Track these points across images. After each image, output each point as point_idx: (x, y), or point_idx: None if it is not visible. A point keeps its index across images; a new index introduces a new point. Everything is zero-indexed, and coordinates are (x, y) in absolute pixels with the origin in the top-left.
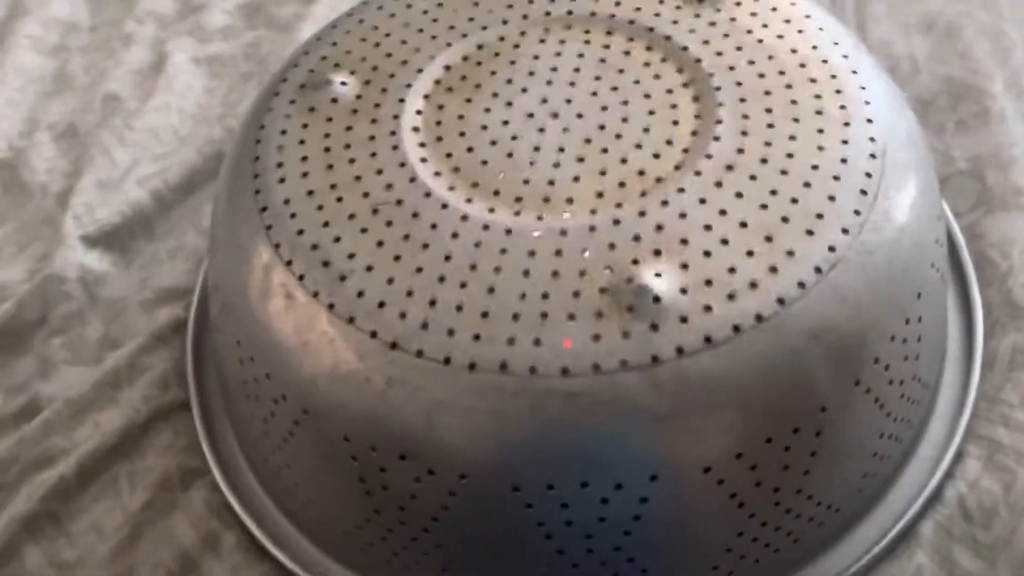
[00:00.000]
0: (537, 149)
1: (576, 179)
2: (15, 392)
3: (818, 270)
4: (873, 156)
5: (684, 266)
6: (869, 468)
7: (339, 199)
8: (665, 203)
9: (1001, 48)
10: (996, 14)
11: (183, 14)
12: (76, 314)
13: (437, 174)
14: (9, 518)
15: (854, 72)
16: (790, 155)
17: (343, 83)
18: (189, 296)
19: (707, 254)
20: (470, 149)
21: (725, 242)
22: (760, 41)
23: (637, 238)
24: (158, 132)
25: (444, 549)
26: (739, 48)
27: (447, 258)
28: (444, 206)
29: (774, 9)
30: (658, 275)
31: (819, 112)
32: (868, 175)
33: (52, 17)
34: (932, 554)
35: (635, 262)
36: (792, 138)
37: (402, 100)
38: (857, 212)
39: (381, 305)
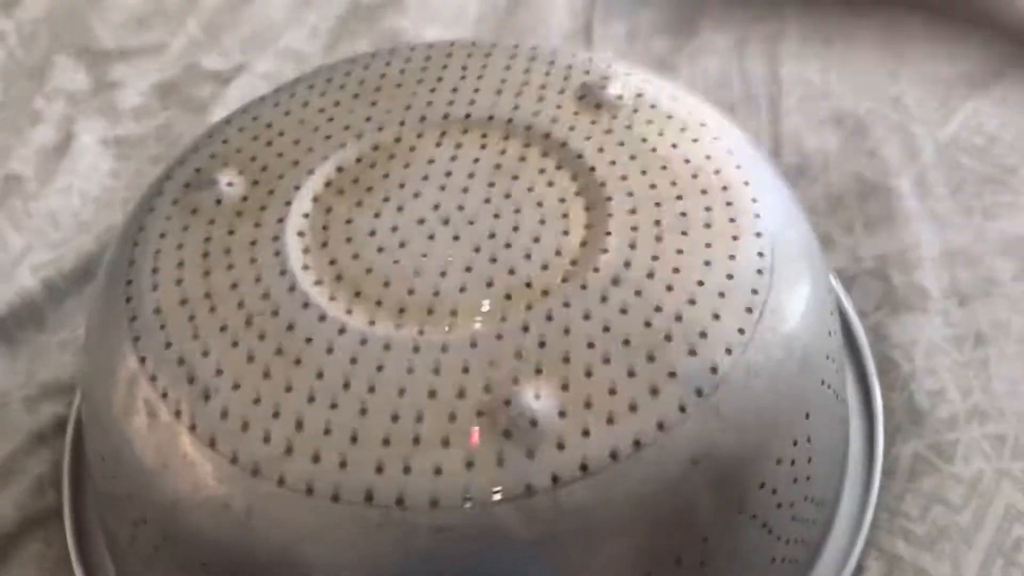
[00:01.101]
0: (425, 256)
1: (462, 290)
2: None
3: (699, 392)
4: (760, 272)
5: (564, 387)
6: None
7: (212, 309)
8: (549, 318)
9: (908, 149)
10: (904, 113)
11: (96, 92)
12: None
13: (318, 282)
14: None
15: (746, 183)
16: (676, 270)
17: (229, 183)
18: (73, 393)
19: (588, 374)
20: (356, 256)
21: (607, 361)
22: (654, 150)
23: (519, 355)
24: (57, 216)
25: None
26: (633, 157)
27: (319, 375)
28: (322, 317)
29: (670, 117)
30: (537, 396)
31: (708, 225)
32: (755, 291)
33: None
34: None
35: (515, 381)
36: (679, 252)
37: (289, 203)
38: (741, 331)
39: (245, 427)
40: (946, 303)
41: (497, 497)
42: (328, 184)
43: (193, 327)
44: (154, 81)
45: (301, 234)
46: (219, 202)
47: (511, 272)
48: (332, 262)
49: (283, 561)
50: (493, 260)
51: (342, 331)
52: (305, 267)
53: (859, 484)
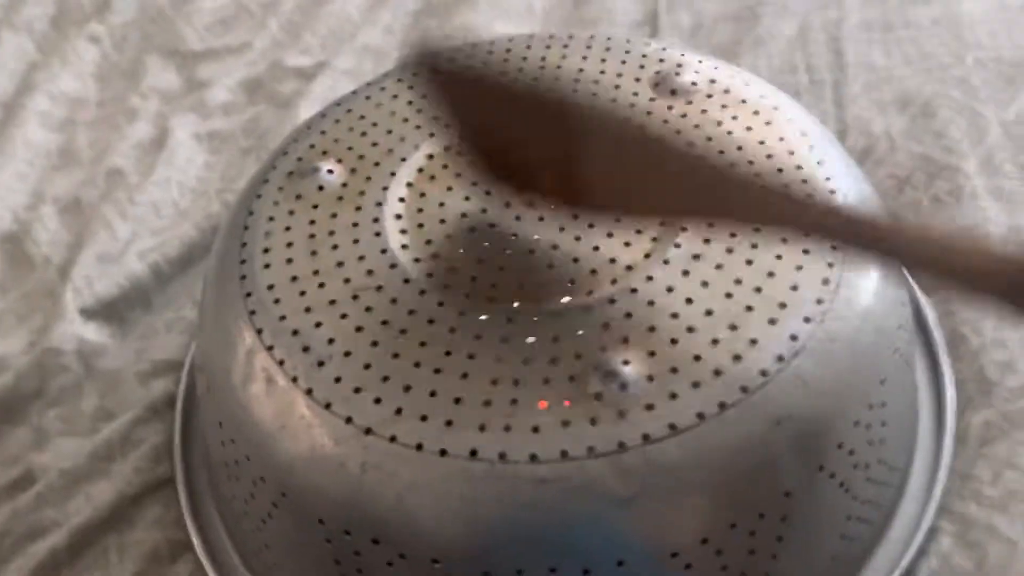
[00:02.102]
0: (514, 236)
1: (550, 266)
2: (10, 464)
3: (780, 358)
4: (835, 246)
5: (651, 353)
6: (837, 551)
7: (321, 285)
8: (634, 291)
9: (975, 127)
10: (970, 94)
11: (187, 90)
12: (72, 386)
13: (417, 260)
14: None
15: (819, 163)
16: (754, 246)
17: (330, 171)
18: (182, 369)
19: (674, 342)
20: (449, 236)
21: (691, 330)
22: (729, 133)
23: (606, 326)
24: (158, 206)
25: None
26: (709, 139)
27: (423, 344)
28: (422, 292)
29: (743, 101)
30: (626, 362)
31: None
32: (830, 265)
33: (60, 92)
34: None
35: (603, 349)
36: (756, 228)
37: (386, 188)
38: (819, 301)
39: (357, 391)
40: None
41: (592, 453)
42: (420, 171)
43: (305, 302)
44: (240, 78)
45: (398, 216)
46: (321, 188)
47: (595, 249)
48: (428, 242)
49: (394, 512)
50: (577, 239)
51: (441, 304)
52: (404, 246)
53: (930, 452)
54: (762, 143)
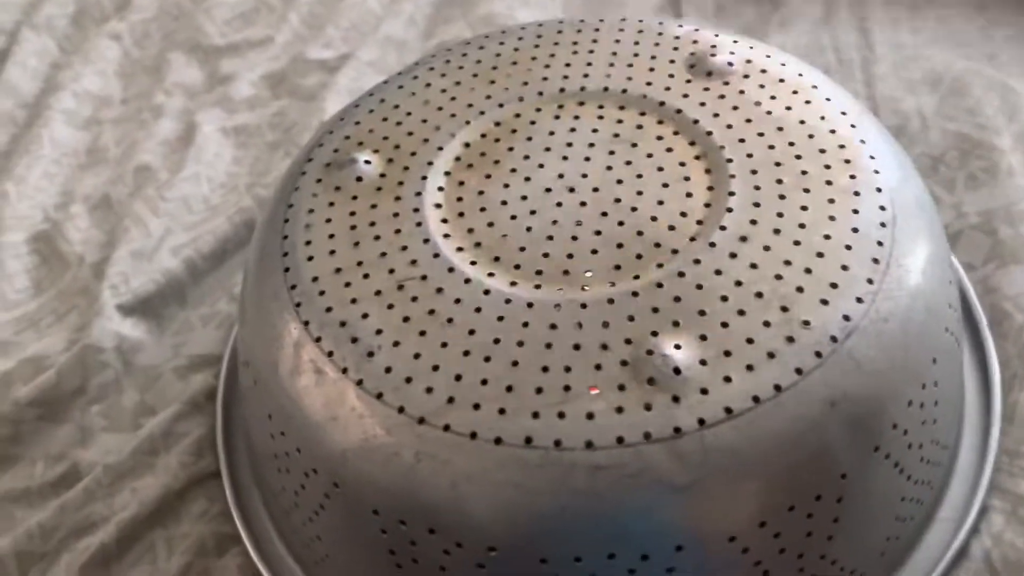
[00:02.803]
0: (555, 223)
1: (594, 252)
2: (55, 460)
3: (834, 339)
4: (883, 225)
5: (703, 337)
6: (892, 531)
7: (366, 276)
8: (682, 274)
9: (1008, 103)
10: (1001, 69)
11: (210, 86)
12: (113, 383)
13: (460, 249)
14: None
15: (862, 141)
16: (802, 225)
17: (367, 162)
18: (220, 363)
19: (724, 325)
20: (491, 224)
21: (742, 313)
22: (769, 113)
23: (655, 310)
24: (189, 201)
25: None
26: (748, 120)
27: (471, 332)
28: (467, 281)
29: (781, 80)
30: (677, 347)
31: (829, 182)
32: (880, 243)
33: (85, 91)
34: None
35: (654, 334)
36: (804, 208)
37: (424, 177)
38: (870, 281)
39: (408, 380)
40: None
41: (648, 438)
42: (458, 159)
43: (351, 293)
44: (263, 72)
45: (438, 206)
46: (359, 179)
47: (639, 234)
48: (470, 230)
49: (449, 501)
50: (621, 223)
51: (487, 292)
52: (446, 236)
53: (977, 430)
54: (803, 122)
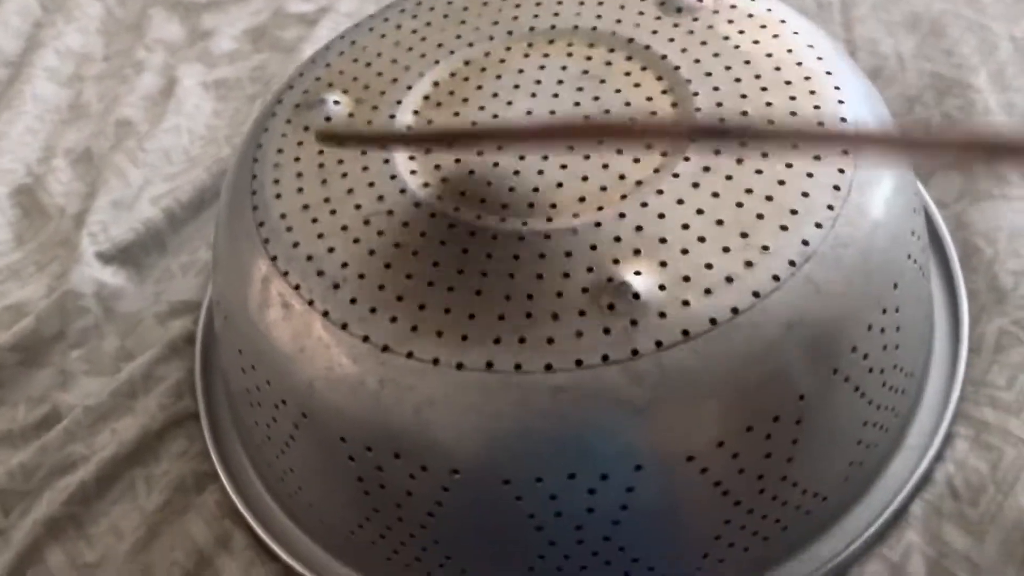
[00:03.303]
0: (522, 158)
1: (559, 185)
2: (36, 403)
3: (792, 263)
4: (846, 152)
5: (663, 264)
6: (855, 456)
7: (333, 212)
8: (644, 205)
9: (986, 43)
10: (980, 11)
11: (191, 41)
12: (93, 328)
13: (426, 185)
14: (32, 522)
15: (828, 73)
16: (765, 155)
17: (336, 102)
18: (200, 309)
19: (684, 252)
20: (457, 160)
21: (702, 240)
22: (736, 47)
23: (617, 239)
24: (169, 153)
25: (441, 544)
26: (716, 55)
27: (435, 264)
28: (432, 215)
29: (750, 16)
30: (637, 273)
31: (793, 113)
32: (841, 171)
33: (67, 48)
34: (922, 532)
35: (616, 262)
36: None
37: (392, 116)
38: (830, 207)
39: (373, 311)
40: None
41: (606, 360)
42: (426, 98)
43: (317, 228)
44: (244, 27)
45: None
46: (328, 119)
47: (604, 167)
48: (437, 167)
49: (414, 426)
50: (587, 158)
51: (452, 226)
52: (413, 172)
53: (946, 362)
54: (770, 56)
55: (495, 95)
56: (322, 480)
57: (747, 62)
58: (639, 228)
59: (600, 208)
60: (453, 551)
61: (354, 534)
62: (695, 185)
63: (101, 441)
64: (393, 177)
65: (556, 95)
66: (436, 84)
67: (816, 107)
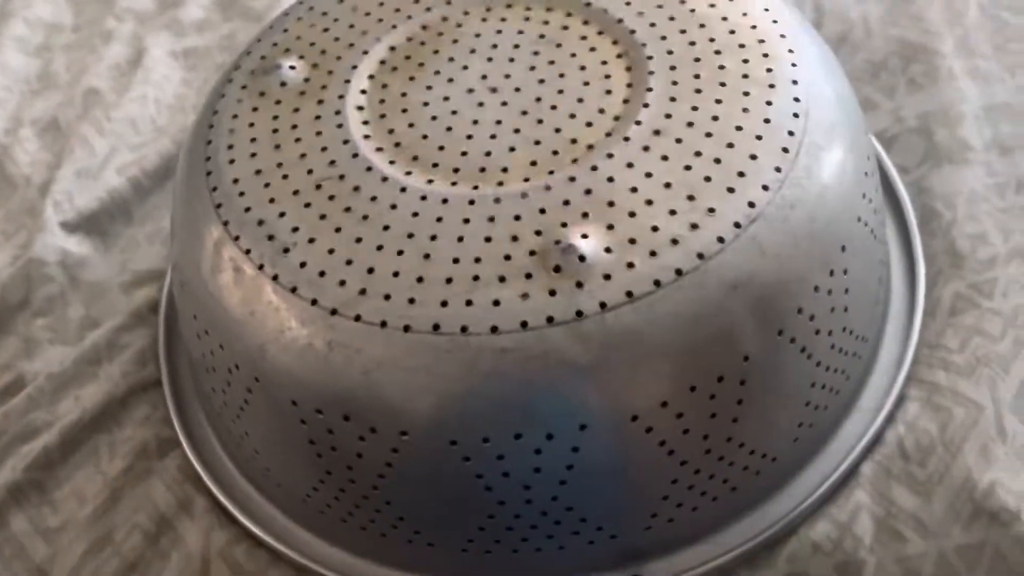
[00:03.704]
0: (476, 123)
1: (512, 149)
2: (0, 370)
3: (738, 225)
4: (796, 115)
5: (610, 227)
6: (804, 418)
7: (285, 177)
8: (595, 168)
9: (952, 9)
10: None
11: (161, 10)
12: (58, 296)
13: (379, 149)
14: None
15: (782, 36)
16: (715, 118)
17: (292, 67)
18: (165, 278)
19: (632, 215)
20: (411, 125)
21: (650, 203)
22: (692, 11)
23: (567, 202)
24: (136, 122)
25: (392, 505)
26: (672, 18)
27: (385, 228)
28: (384, 179)
29: None
30: (584, 236)
31: (745, 76)
32: (791, 133)
33: (36, 18)
34: (871, 492)
35: (564, 225)
36: (718, 102)
37: (348, 81)
38: (778, 169)
39: (322, 274)
40: (988, 154)
41: (551, 322)
42: (382, 63)
43: (269, 193)
44: None
45: (360, 108)
46: (283, 85)
47: (557, 131)
48: (390, 131)
49: (362, 388)
50: (540, 121)
51: (403, 190)
52: (366, 136)
53: (902, 325)
54: (725, 19)
55: (451, 60)
56: (276, 444)
57: (702, 25)
58: (588, 191)
59: (551, 172)
60: (405, 512)
61: (309, 497)
62: (645, 149)
63: (64, 408)
64: (346, 142)
65: (512, 59)
66: (393, 49)
67: (768, 70)
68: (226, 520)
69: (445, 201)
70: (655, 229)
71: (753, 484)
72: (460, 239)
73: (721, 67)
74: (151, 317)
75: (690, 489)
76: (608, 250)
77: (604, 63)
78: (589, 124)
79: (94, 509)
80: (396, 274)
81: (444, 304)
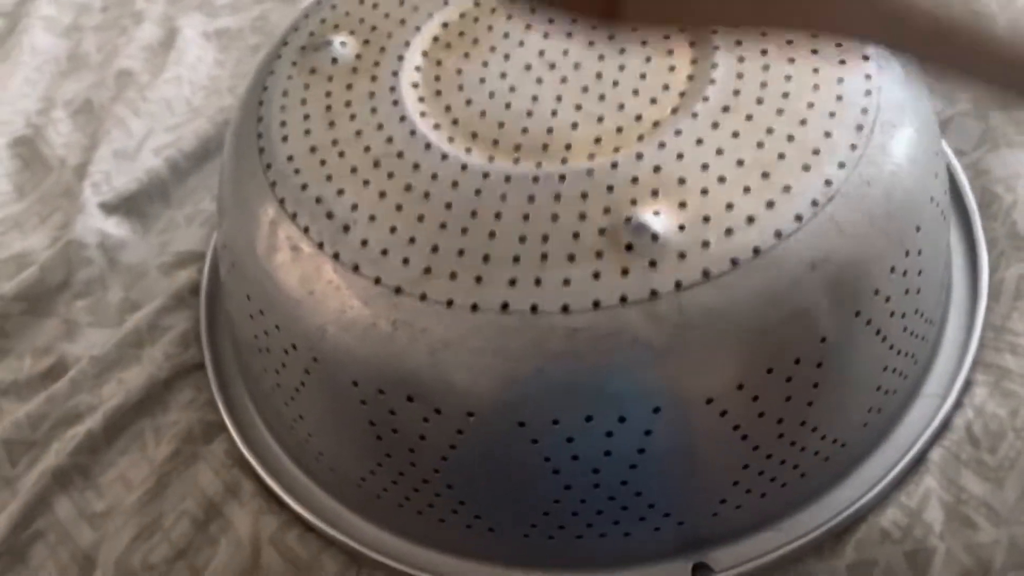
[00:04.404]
0: (535, 99)
1: (574, 126)
2: (42, 353)
3: (815, 203)
4: (868, 93)
5: (682, 204)
6: (874, 402)
7: (341, 154)
8: (662, 145)
9: None
10: None
11: None
12: (97, 278)
13: (437, 126)
14: (40, 472)
15: None
16: (785, 95)
17: (343, 43)
18: (204, 260)
19: (704, 192)
20: (469, 102)
21: (722, 180)
22: None
23: (635, 180)
24: (171, 103)
25: (454, 489)
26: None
27: (448, 206)
28: (444, 156)
29: None
30: (656, 214)
31: (814, 51)
32: (864, 111)
33: None
34: (940, 478)
35: (633, 202)
36: (788, 79)
37: (401, 57)
38: (853, 147)
39: (384, 253)
40: None
41: (624, 302)
42: (435, 39)
43: (326, 171)
44: None
45: (415, 85)
46: (335, 61)
47: (620, 108)
48: (447, 108)
49: (428, 368)
50: (602, 98)
51: (464, 168)
52: (423, 114)
53: (964, 309)
54: None
55: (506, 35)
56: (333, 427)
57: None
58: (657, 169)
59: (616, 149)
60: (467, 496)
61: (365, 480)
62: (715, 125)
63: (108, 391)
64: (403, 119)
65: (569, 34)
66: (445, 25)
67: (838, 45)
68: (276, 506)
69: (508, 179)
70: (730, 207)
71: (822, 470)
72: (526, 217)
73: (789, 42)
74: (192, 299)
75: (760, 475)
76: (681, 228)
77: (666, 38)
78: (653, 101)
79: (141, 495)
80: (461, 253)
81: (512, 283)
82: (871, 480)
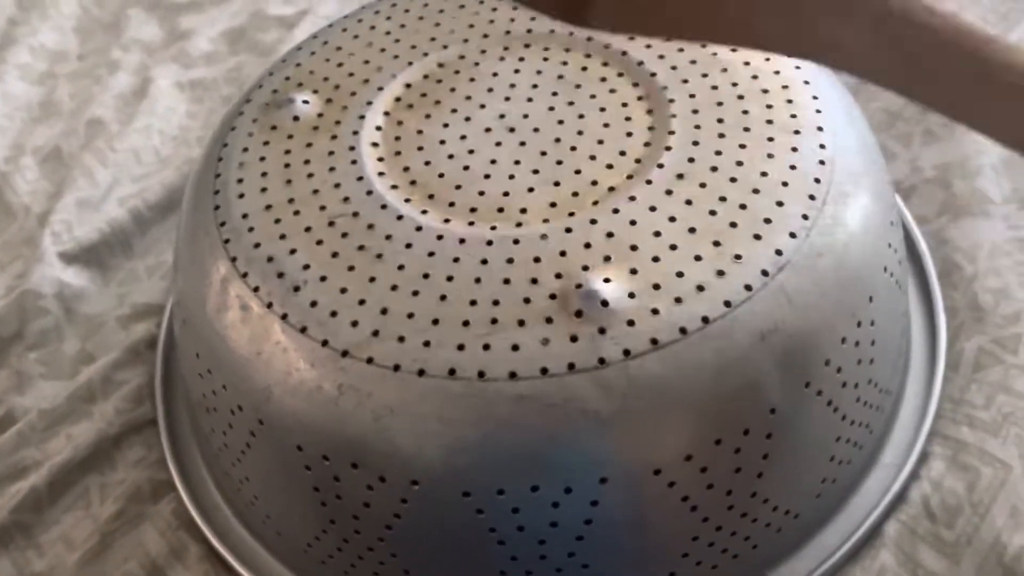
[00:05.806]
0: (493, 162)
1: (530, 190)
2: None
3: (765, 273)
4: (822, 163)
5: (633, 271)
6: (827, 473)
7: (296, 212)
8: (616, 211)
9: None
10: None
11: (168, 41)
12: (53, 329)
13: (394, 187)
14: None
15: (806, 83)
16: (740, 163)
17: (305, 102)
18: (164, 313)
19: (656, 259)
20: (427, 163)
21: (674, 247)
22: (714, 55)
23: (588, 245)
24: (139, 153)
25: (399, 557)
26: (693, 62)
27: (400, 267)
28: (399, 217)
29: None
30: (607, 280)
31: (770, 121)
32: (817, 180)
33: (41, 46)
34: (896, 553)
35: (585, 268)
36: (742, 147)
37: (362, 117)
38: (805, 217)
39: (333, 314)
40: (1007, 207)
41: (572, 369)
42: (398, 100)
43: (280, 229)
44: (223, 29)
45: (375, 144)
46: (296, 119)
47: (577, 172)
48: (406, 169)
49: (373, 435)
50: (559, 162)
51: (419, 229)
52: (381, 174)
53: (923, 379)
54: (747, 64)
55: (468, 98)
56: (278, 490)
57: (724, 70)
58: (610, 235)
59: (571, 214)
60: (412, 565)
61: (311, 546)
62: (668, 192)
63: (55, 446)
64: (360, 179)
65: (530, 99)
66: (408, 86)
67: (793, 115)
68: (222, 569)
69: (462, 241)
70: (680, 275)
71: (775, 541)
72: (478, 280)
73: (744, 112)
74: (148, 353)
75: (711, 546)
76: (631, 295)
77: (624, 105)
78: (610, 166)
79: (83, 555)
80: (411, 315)
81: (460, 348)
82: (825, 552)
